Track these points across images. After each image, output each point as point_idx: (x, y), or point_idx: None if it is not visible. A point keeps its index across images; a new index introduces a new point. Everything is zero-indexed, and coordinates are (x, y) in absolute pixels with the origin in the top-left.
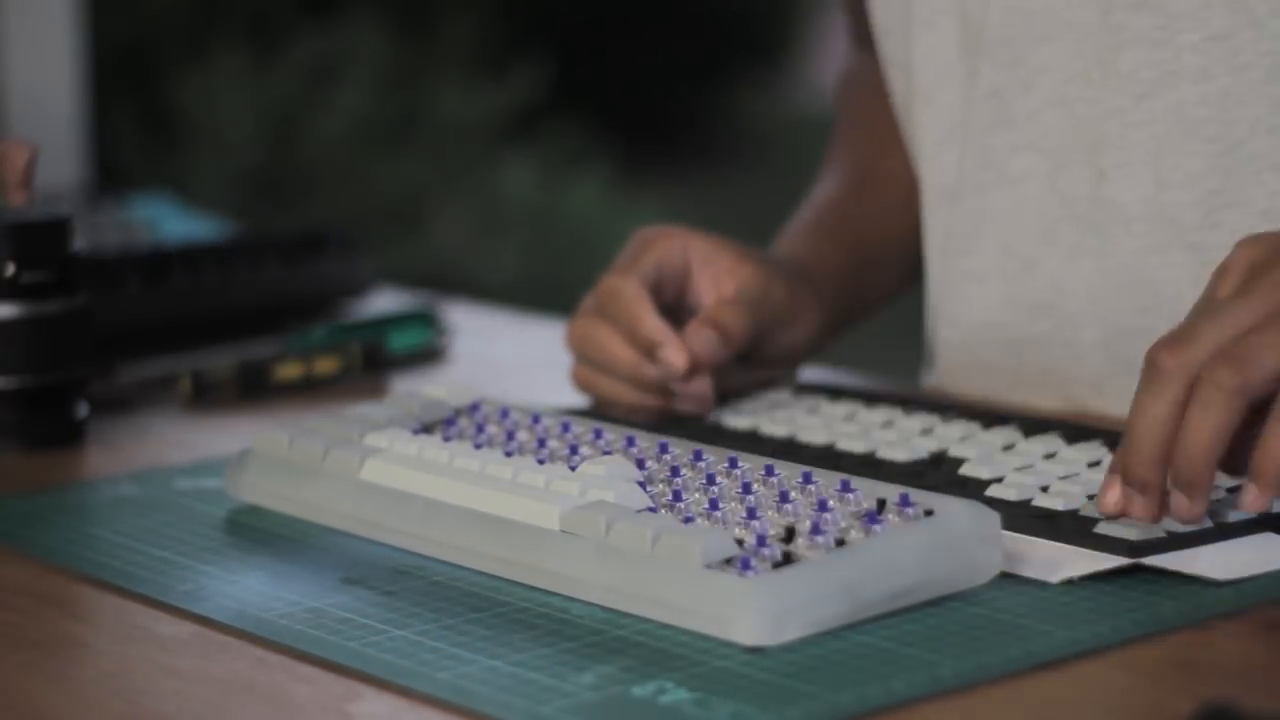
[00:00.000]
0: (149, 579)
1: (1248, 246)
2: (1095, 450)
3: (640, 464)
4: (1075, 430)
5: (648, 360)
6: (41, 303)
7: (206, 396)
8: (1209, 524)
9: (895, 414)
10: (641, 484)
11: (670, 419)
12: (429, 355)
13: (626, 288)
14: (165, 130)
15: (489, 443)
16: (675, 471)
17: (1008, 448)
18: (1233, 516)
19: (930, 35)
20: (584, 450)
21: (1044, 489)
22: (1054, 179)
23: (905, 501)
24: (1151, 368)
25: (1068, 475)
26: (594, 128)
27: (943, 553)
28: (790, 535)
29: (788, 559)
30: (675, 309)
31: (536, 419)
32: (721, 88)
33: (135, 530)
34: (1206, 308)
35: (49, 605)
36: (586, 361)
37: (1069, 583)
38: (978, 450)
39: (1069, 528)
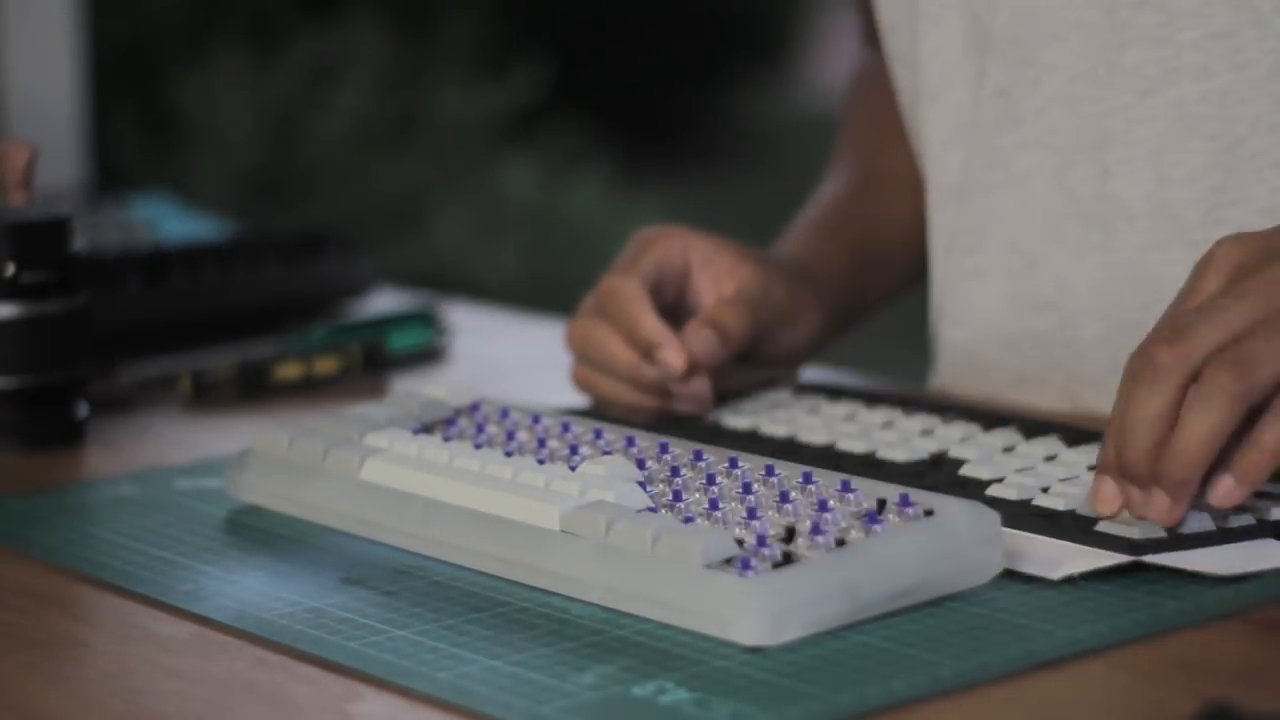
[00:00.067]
0: (149, 579)
1: (1231, 246)
2: (1095, 452)
3: (640, 464)
4: (1075, 432)
5: (647, 361)
6: (41, 303)
7: (206, 396)
8: (1211, 527)
9: (895, 414)
10: (641, 484)
11: (670, 419)
12: (429, 355)
13: (626, 288)
14: (165, 130)
15: (489, 443)
16: (675, 471)
17: (1008, 449)
18: (1234, 521)
19: (937, 33)
20: (584, 450)
21: (1044, 490)
22: (1060, 176)
23: (905, 501)
24: (1148, 363)
25: (1068, 477)
26: (594, 128)
27: (943, 553)
28: (790, 535)
29: (788, 559)
30: (675, 309)
31: (536, 419)
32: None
33: (135, 530)
34: (1198, 305)
35: (49, 605)
36: (586, 361)
37: (1069, 580)
38: (978, 451)
39: (1069, 525)
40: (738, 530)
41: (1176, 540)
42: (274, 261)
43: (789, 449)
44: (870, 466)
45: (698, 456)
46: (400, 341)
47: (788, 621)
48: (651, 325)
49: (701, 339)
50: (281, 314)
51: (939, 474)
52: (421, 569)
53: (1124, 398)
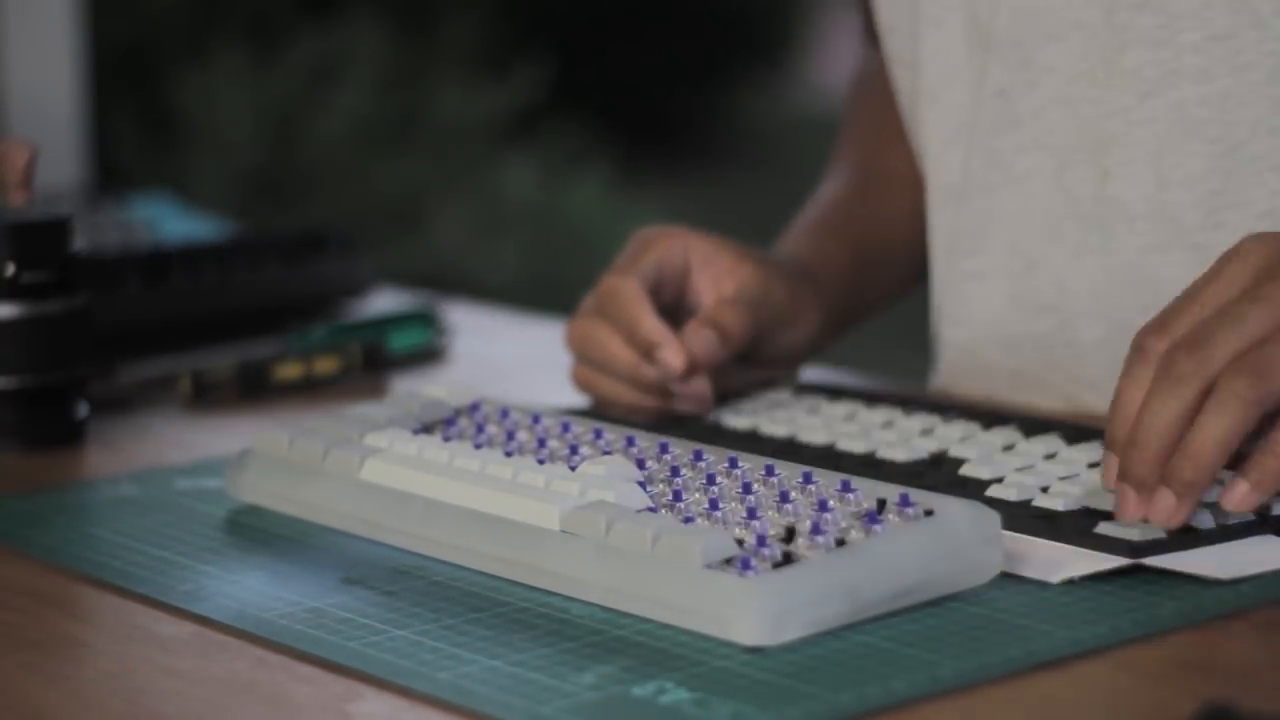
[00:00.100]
0: (149, 579)
1: (1255, 245)
2: (1095, 451)
3: (640, 464)
4: (1075, 431)
5: (647, 361)
6: (41, 303)
7: (206, 396)
8: (1211, 525)
9: (895, 414)
10: (641, 484)
11: (670, 419)
12: (429, 355)
13: (626, 288)
14: (165, 130)
15: (489, 443)
16: (675, 471)
17: (1008, 448)
18: (1234, 519)
19: (938, 33)
20: (584, 450)
21: (1044, 489)
22: (1059, 178)
23: (905, 501)
24: (1168, 368)
25: (1068, 476)
26: (594, 128)
27: (943, 553)
28: (790, 535)
29: (788, 559)
30: (675, 309)
31: (536, 419)
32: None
33: (135, 530)
34: (1219, 309)
35: (49, 605)
36: (586, 361)
37: (1069, 583)
38: (978, 450)
39: (1069, 528)
40: (738, 530)
41: (1176, 541)
42: (274, 261)
43: (789, 449)
44: (870, 466)
45: (698, 456)
46: (400, 341)
47: (788, 621)
48: (651, 325)
49: (701, 339)
50: (281, 314)
51: (939, 473)
52: (421, 569)
53: (1142, 404)
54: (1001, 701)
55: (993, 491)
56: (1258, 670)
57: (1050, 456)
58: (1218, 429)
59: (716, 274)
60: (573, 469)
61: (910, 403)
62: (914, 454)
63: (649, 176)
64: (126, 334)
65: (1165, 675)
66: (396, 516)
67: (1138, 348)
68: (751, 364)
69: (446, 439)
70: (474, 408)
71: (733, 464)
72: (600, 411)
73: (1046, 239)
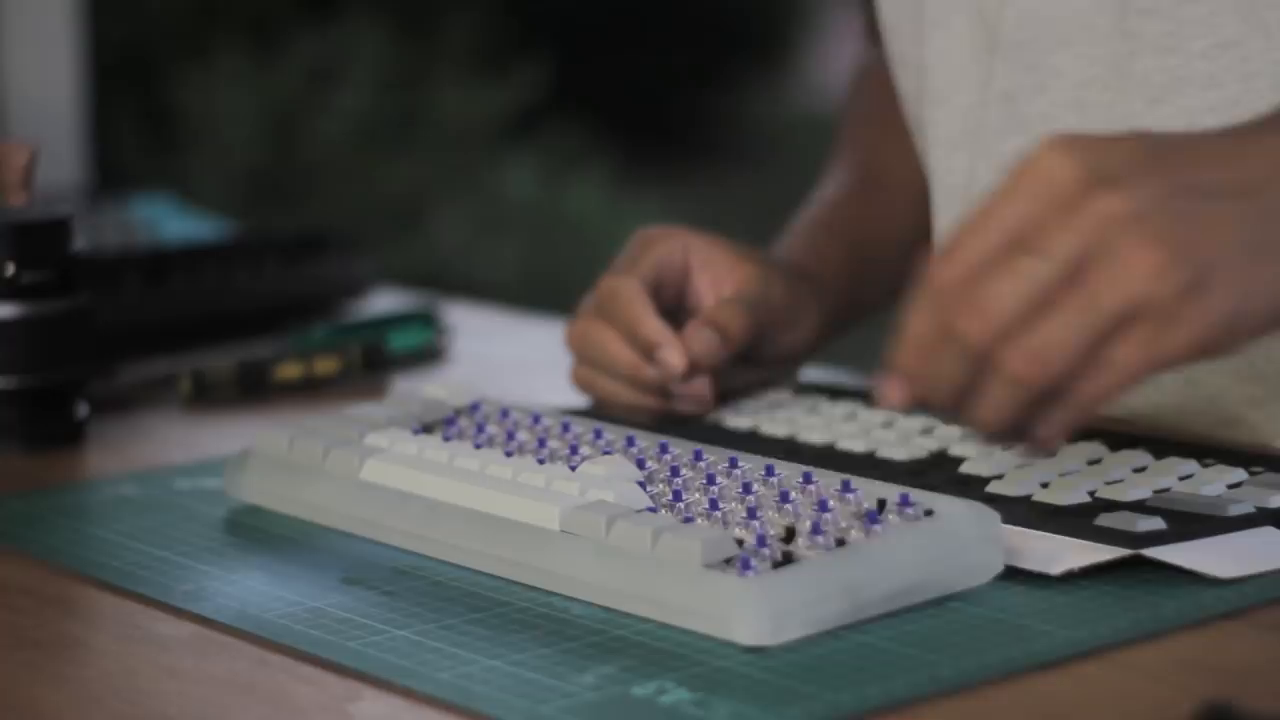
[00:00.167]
0: (149, 579)
1: (1057, 160)
2: (1095, 449)
3: (640, 464)
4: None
5: (647, 361)
6: (41, 303)
7: (206, 396)
8: (1211, 514)
9: (895, 414)
10: (641, 484)
11: (670, 419)
12: (429, 355)
13: (626, 288)
14: (165, 130)
15: (489, 443)
16: (675, 471)
17: (1007, 446)
18: (1234, 509)
19: (944, 35)
20: (584, 450)
21: (1044, 485)
22: None
23: (905, 501)
24: (947, 322)
25: (1068, 472)
26: (594, 128)
27: (943, 553)
28: (790, 535)
29: (788, 559)
30: (675, 309)
31: (536, 419)
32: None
33: (135, 530)
34: (1007, 241)
35: (49, 605)
36: (586, 361)
37: (1070, 574)
38: (978, 448)
39: (1069, 520)
40: (738, 530)
41: (1176, 533)
42: (274, 262)
43: (789, 449)
44: (870, 466)
45: (698, 456)
46: (400, 341)
47: (788, 621)
48: (651, 325)
49: (702, 339)
50: (281, 314)
51: (939, 472)
52: (421, 569)
53: (925, 358)
54: (1001, 701)
55: (993, 488)
56: (1258, 670)
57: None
58: (991, 411)
59: (716, 274)
60: (573, 469)
61: None
62: (914, 453)
63: (649, 176)
64: (126, 334)
65: (1165, 675)
66: (396, 516)
67: (928, 276)
68: (751, 364)
69: (446, 439)
70: (474, 408)
71: (733, 464)
72: (600, 411)
73: None
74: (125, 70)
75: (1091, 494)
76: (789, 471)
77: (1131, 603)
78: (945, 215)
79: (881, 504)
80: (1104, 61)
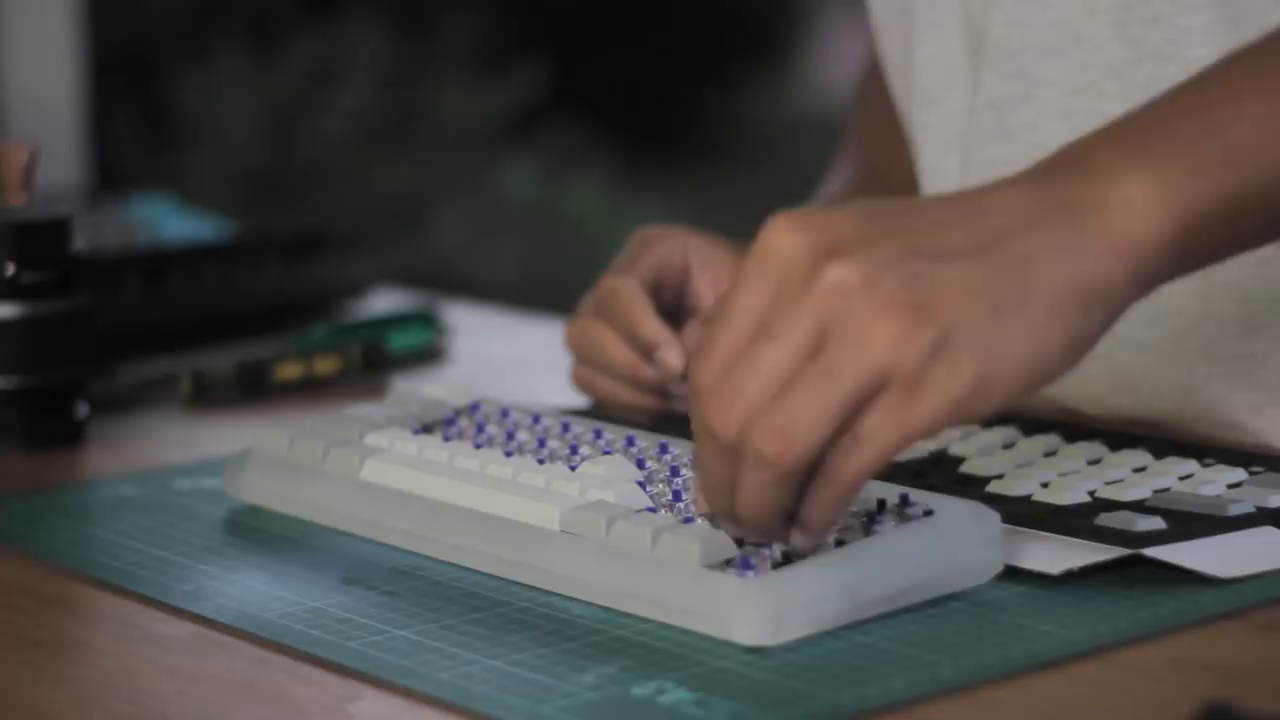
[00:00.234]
0: (149, 579)
1: (780, 241)
2: (1095, 449)
3: (640, 464)
4: (1075, 430)
5: (646, 361)
6: (41, 303)
7: (206, 396)
8: (1211, 514)
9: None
10: (641, 484)
11: (670, 419)
12: (429, 355)
13: (625, 288)
14: (165, 130)
15: (489, 443)
16: (675, 471)
17: (1008, 445)
18: (1233, 509)
19: (935, 37)
20: (584, 450)
21: (1044, 485)
22: None
23: (905, 501)
24: (700, 426)
25: (1068, 472)
26: (594, 128)
27: (943, 553)
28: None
29: (787, 559)
30: (675, 309)
31: (536, 419)
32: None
33: (135, 530)
34: (744, 334)
35: (49, 605)
36: (586, 361)
37: (1070, 574)
38: (978, 448)
39: (1069, 520)
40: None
41: (1176, 533)
42: (274, 261)
43: None
44: None
45: None
46: (400, 341)
47: (788, 621)
48: (651, 325)
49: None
50: (281, 314)
51: (939, 471)
52: (421, 569)
53: (694, 452)
54: (1001, 701)
55: (993, 487)
56: (1258, 670)
57: (1050, 454)
58: (752, 498)
59: (716, 274)
60: (573, 469)
61: None
62: (913, 453)
63: (649, 176)
64: (126, 334)
65: (1165, 675)
66: (396, 516)
67: (690, 374)
68: None
69: (446, 439)
70: (474, 408)
71: None
72: (600, 411)
73: None
74: (125, 70)
75: (1091, 494)
76: None
77: (1131, 603)
78: None
79: (881, 504)
80: (1101, 69)
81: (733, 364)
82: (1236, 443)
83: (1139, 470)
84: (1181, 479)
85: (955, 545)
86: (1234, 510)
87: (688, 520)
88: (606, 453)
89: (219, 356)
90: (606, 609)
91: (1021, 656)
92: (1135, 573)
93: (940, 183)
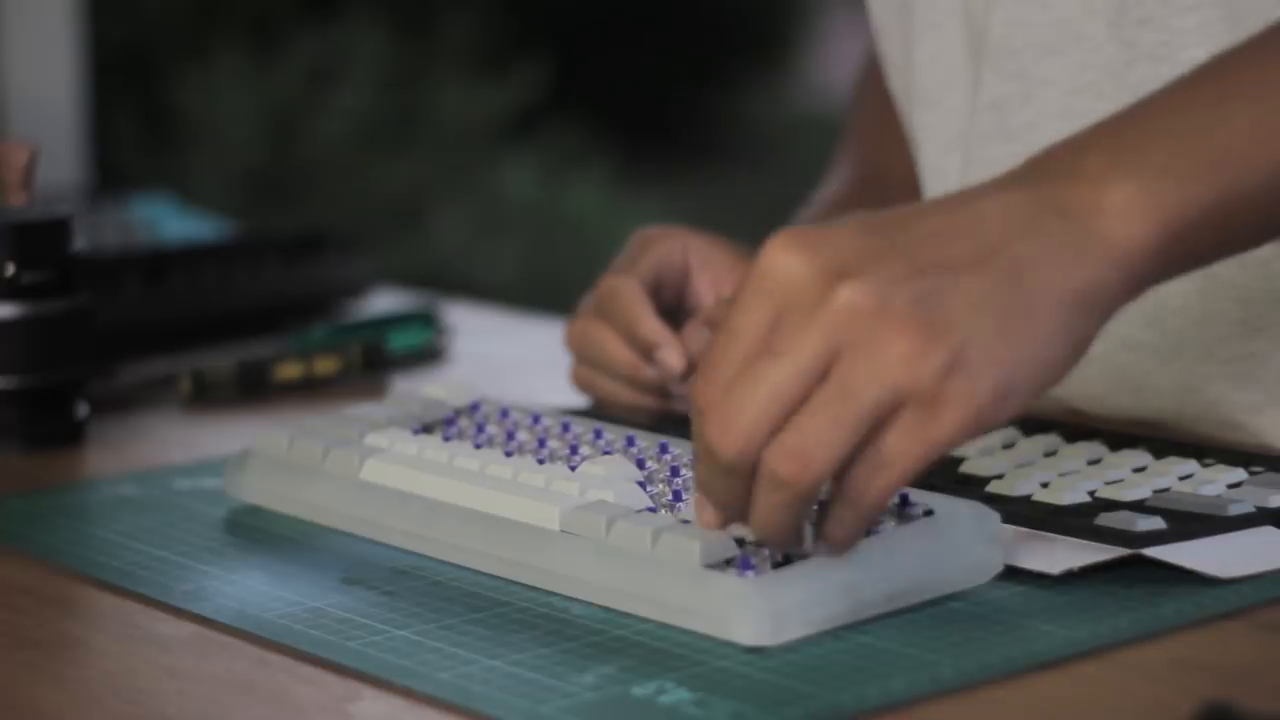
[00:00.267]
0: (149, 579)
1: (778, 259)
2: (1095, 449)
3: (640, 464)
4: (1075, 430)
5: (646, 361)
6: (41, 303)
7: (206, 396)
8: (1211, 514)
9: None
10: (641, 484)
11: (670, 419)
12: (429, 355)
13: (625, 288)
14: (165, 130)
15: (489, 443)
16: (675, 471)
17: (1007, 446)
18: (1233, 509)
19: (936, 37)
20: (584, 450)
21: (1044, 485)
22: None
23: (905, 501)
24: (701, 445)
25: (1068, 472)
26: (594, 128)
27: (943, 553)
28: None
29: (788, 559)
30: (675, 309)
31: (536, 419)
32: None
33: (135, 530)
34: (741, 363)
35: (49, 605)
36: (586, 361)
37: (1070, 574)
38: (977, 447)
39: (1069, 520)
40: (738, 530)
41: (1176, 533)
42: (274, 261)
43: None
44: None
45: None
46: (400, 341)
47: (788, 621)
48: (651, 326)
49: (701, 339)
50: (281, 314)
51: (939, 471)
52: (421, 569)
53: (697, 479)
54: (1001, 701)
55: (993, 487)
56: (1258, 670)
57: (1050, 454)
58: (771, 523)
59: (716, 274)
60: (573, 469)
61: None
62: None
63: (649, 176)
64: (126, 334)
65: (1165, 675)
66: (396, 516)
67: (691, 394)
68: None
69: (446, 439)
70: (474, 408)
71: None
72: (600, 411)
73: None
74: (125, 70)
75: (1091, 494)
76: None
77: (1131, 603)
78: None
79: None
80: (1099, 70)
81: (734, 382)
82: (1237, 442)
83: (1139, 470)
84: (1181, 479)
85: (955, 545)
86: (1234, 510)
87: (688, 520)
88: (606, 453)
89: (219, 356)
90: (606, 609)
91: (1021, 656)
92: (1135, 573)
93: (941, 183)
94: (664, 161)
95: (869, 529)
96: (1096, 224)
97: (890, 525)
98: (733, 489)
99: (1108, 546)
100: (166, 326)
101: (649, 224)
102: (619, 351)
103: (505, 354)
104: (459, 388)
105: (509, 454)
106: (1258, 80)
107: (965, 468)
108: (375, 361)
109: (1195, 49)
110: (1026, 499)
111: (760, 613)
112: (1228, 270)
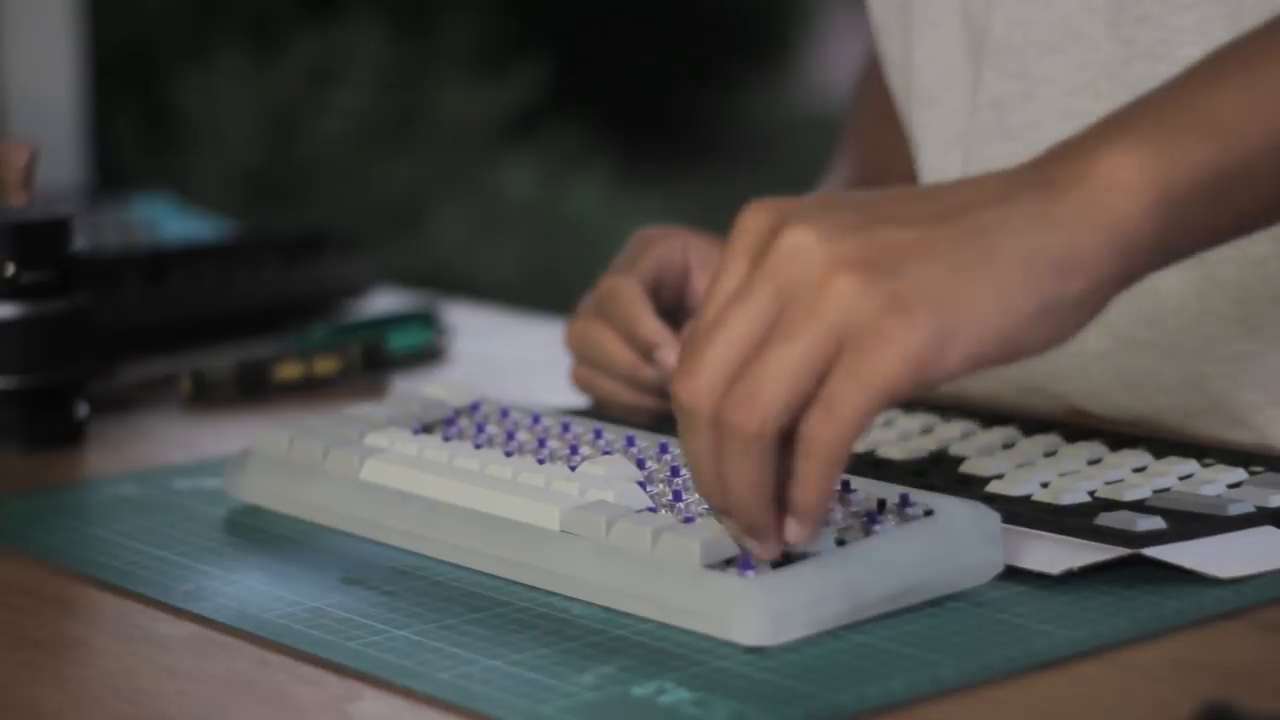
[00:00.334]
0: (149, 579)
1: (751, 217)
2: (1096, 449)
3: (640, 464)
4: (1075, 430)
5: (646, 361)
6: (41, 303)
7: (206, 396)
8: (1211, 514)
9: (895, 413)
10: (641, 484)
11: (670, 419)
12: (429, 355)
13: (625, 288)
14: (165, 130)
15: (489, 443)
16: (675, 471)
17: (1008, 446)
18: (1233, 509)
19: (935, 36)
20: (584, 450)
21: (1044, 485)
22: None
23: (905, 501)
24: (676, 404)
25: (1068, 472)
26: (594, 128)
27: (943, 553)
28: None
29: (788, 559)
30: (675, 309)
31: (536, 419)
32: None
33: (135, 530)
34: (706, 314)
35: (49, 605)
36: (586, 361)
37: (1070, 574)
38: (978, 448)
39: (1069, 520)
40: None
41: (1176, 533)
42: (274, 261)
43: None
44: (870, 466)
45: None
46: (400, 341)
47: (788, 621)
48: (650, 326)
49: None
50: (281, 314)
51: (939, 471)
52: (421, 569)
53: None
54: (1001, 701)
55: (993, 487)
56: (1258, 670)
57: (1050, 454)
58: (740, 477)
59: None
60: (573, 469)
61: (910, 402)
62: (914, 453)
63: (649, 176)
64: (126, 334)
65: (1165, 675)
66: (396, 516)
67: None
68: None
69: (446, 439)
70: (474, 408)
71: None
72: (600, 411)
73: None
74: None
75: (1091, 494)
76: None
77: (1131, 603)
78: None
79: (881, 504)
80: (1097, 68)
81: (702, 338)
82: (1238, 442)
83: (1139, 470)
84: (1181, 479)
85: (955, 545)
86: (1234, 510)
87: (688, 520)
88: (606, 453)
89: (219, 356)
90: (606, 609)
91: (1021, 656)
92: (1135, 573)
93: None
94: (664, 161)
95: (866, 530)
96: (1082, 192)
97: (890, 525)
98: (699, 442)
99: (1108, 546)
100: (166, 326)
101: (649, 224)
102: (619, 351)
103: (505, 354)
104: (459, 388)
105: (509, 454)
106: (1249, 53)
107: (965, 468)
108: (375, 361)
109: (1193, 47)
110: (1026, 499)
111: (760, 613)
112: (1227, 270)
